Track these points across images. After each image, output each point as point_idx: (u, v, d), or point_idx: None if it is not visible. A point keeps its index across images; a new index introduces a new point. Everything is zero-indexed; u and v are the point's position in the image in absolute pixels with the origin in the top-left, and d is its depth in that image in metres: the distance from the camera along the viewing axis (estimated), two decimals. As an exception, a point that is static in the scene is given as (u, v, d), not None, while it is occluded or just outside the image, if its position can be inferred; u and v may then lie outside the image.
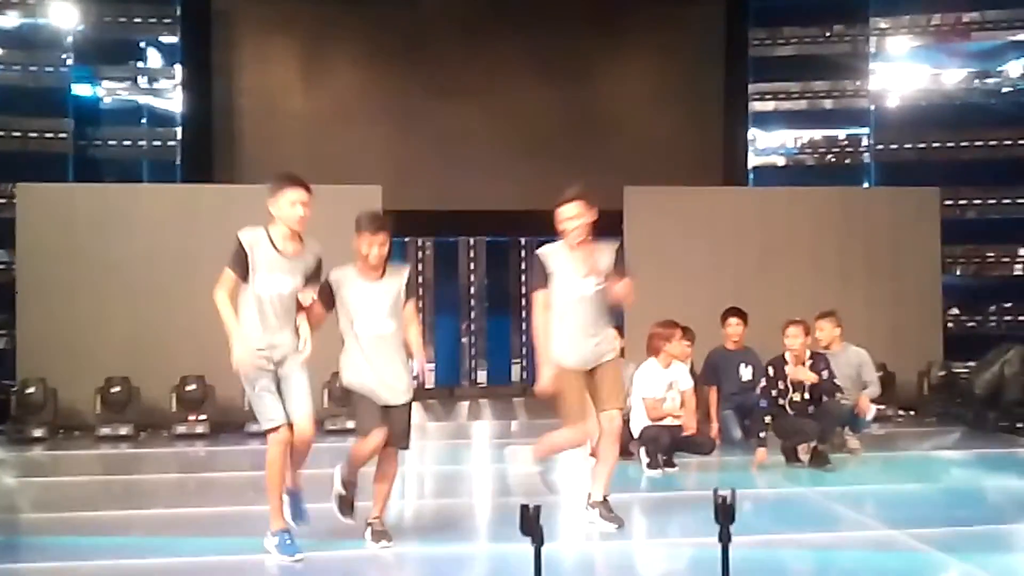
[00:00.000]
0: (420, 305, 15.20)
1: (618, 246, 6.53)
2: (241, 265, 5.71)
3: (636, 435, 8.69)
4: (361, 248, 5.95)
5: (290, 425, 5.69)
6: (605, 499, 6.50)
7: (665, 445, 8.54)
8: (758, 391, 9.30)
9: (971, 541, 6.15)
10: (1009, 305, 14.26)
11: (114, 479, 9.17)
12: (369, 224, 5.96)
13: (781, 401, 8.78)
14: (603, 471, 6.57)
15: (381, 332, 5.97)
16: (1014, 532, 6.63)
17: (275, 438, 5.68)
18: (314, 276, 5.94)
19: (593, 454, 8.88)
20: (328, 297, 5.99)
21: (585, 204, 6.44)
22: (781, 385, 8.80)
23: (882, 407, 10.44)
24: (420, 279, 15.05)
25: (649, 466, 8.47)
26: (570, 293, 6.36)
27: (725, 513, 3.85)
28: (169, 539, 5.88)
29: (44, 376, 11.11)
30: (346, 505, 6.11)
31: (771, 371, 8.90)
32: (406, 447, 6.13)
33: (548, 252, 6.50)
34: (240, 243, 5.73)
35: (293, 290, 5.83)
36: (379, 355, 5.96)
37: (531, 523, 3.76)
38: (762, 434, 8.74)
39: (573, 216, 6.42)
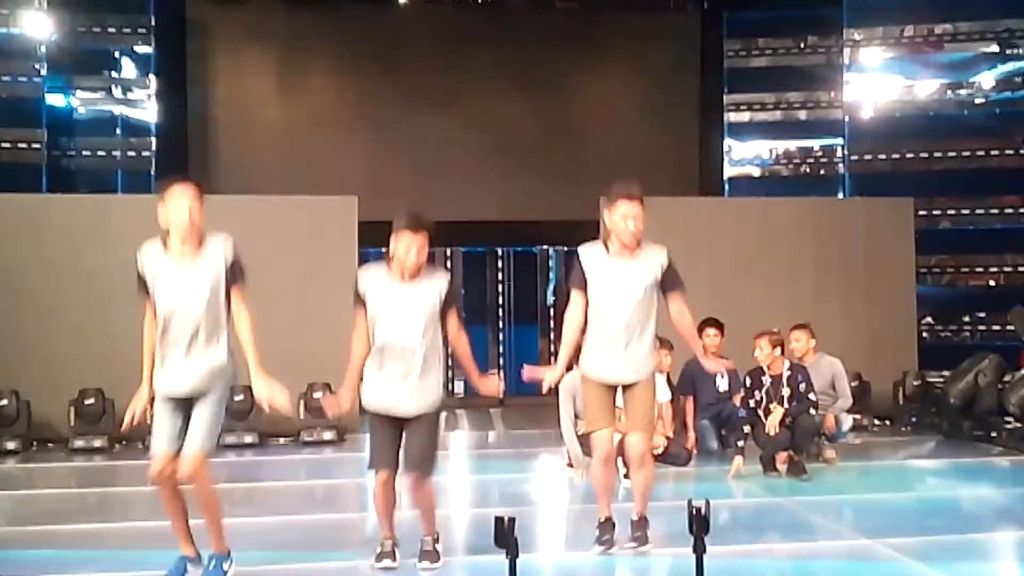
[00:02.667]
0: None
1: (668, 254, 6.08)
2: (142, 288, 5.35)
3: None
4: (397, 250, 5.53)
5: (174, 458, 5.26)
6: (641, 518, 6.18)
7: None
8: (736, 401, 9.35)
9: (946, 550, 6.17)
10: (983, 315, 14.35)
11: (88, 492, 9.10)
12: (411, 223, 5.51)
13: (760, 411, 8.83)
14: (636, 492, 6.25)
15: (410, 344, 5.55)
16: (989, 541, 6.66)
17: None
18: (232, 271, 5.36)
19: (571, 464, 8.91)
20: (363, 301, 5.57)
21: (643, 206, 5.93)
22: (759, 395, 8.86)
23: (858, 417, 10.50)
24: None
25: (626, 476, 8.45)
26: (607, 299, 5.92)
27: (699, 523, 3.85)
28: (144, 552, 5.83)
29: (17, 388, 11.01)
30: (379, 558, 5.79)
31: (749, 381, 8.97)
32: (427, 472, 5.68)
33: (587, 253, 6.03)
34: (137, 264, 5.37)
35: (204, 301, 5.29)
36: (401, 370, 5.55)
37: (506, 535, 3.75)
38: (740, 443, 8.77)
39: (634, 216, 5.89)
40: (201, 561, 5.50)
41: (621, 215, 5.89)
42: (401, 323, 5.55)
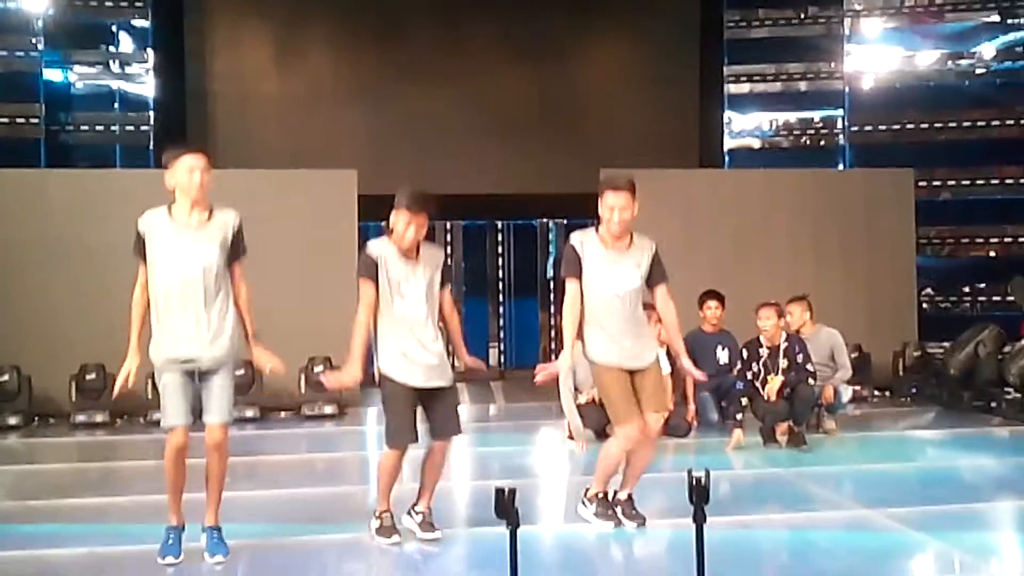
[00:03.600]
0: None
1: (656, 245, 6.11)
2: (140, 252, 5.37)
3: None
4: (397, 226, 5.63)
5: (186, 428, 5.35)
6: (630, 497, 6.21)
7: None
8: (734, 373, 9.36)
9: (946, 520, 6.20)
10: (983, 286, 14.36)
11: (90, 466, 9.13)
12: (412, 203, 5.60)
13: (757, 383, 8.85)
14: (634, 471, 6.22)
15: (417, 315, 5.68)
16: (988, 511, 6.68)
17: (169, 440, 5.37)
18: (234, 247, 5.47)
19: (571, 437, 8.93)
20: (374, 273, 5.62)
21: (634, 194, 5.93)
22: (756, 367, 8.87)
23: (857, 388, 10.51)
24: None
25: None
26: (606, 289, 5.95)
27: (699, 494, 3.86)
28: (145, 526, 5.84)
29: (18, 363, 11.04)
30: (386, 533, 5.84)
31: (746, 354, 8.99)
32: (459, 432, 5.87)
33: (581, 240, 6.03)
34: (136, 227, 5.39)
35: (208, 267, 5.35)
36: (419, 342, 5.66)
37: (506, 506, 3.75)
38: (739, 416, 8.79)
39: (621, 206, 5.89)
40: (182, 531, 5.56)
41: (608, 206, 5.92)
42: (413, 297, 5.67)
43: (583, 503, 6.25)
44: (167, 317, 5.35)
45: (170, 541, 5.48)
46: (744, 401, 8.90)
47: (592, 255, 5.97)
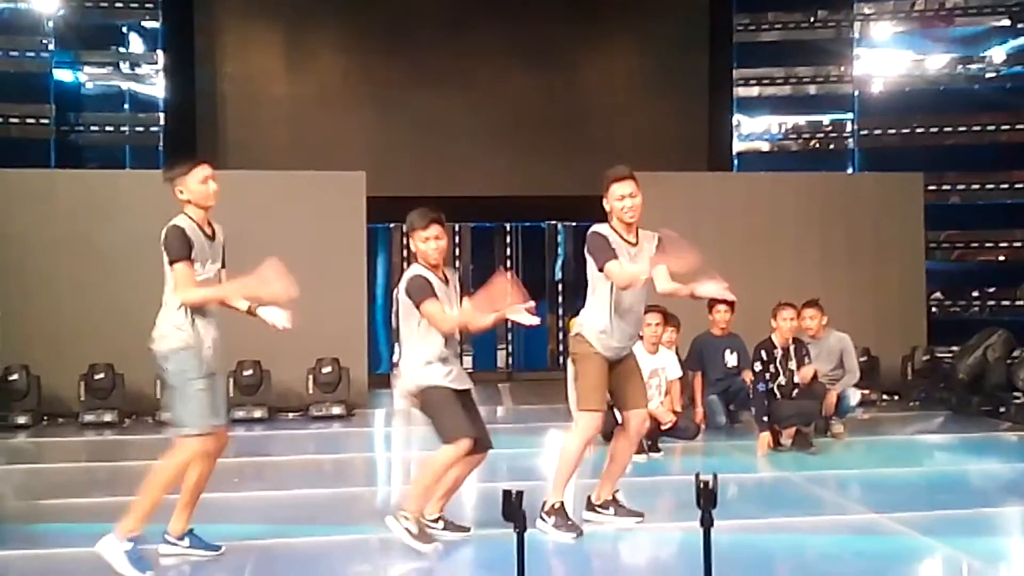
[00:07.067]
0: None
1: (659, 237, 6.17)
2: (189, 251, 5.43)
3: (621, 420, 8.68)
4: (419, 247, 5.80)
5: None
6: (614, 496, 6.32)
7: (650, 430, 8.55)
8: (745, 377, 9.32)
9: (954, 525, 6.19)
10: (992, 290, 14.32)
11: (98, 466, 9.15)
12: (418, 220, 5.78)
13: (771, 385, 8.77)
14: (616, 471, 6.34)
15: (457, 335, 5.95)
16: (996, 516, 6.67)
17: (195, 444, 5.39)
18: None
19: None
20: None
21: (637, 182, 6.02)
22: (773, 368, 8.78)
23: (866, 391, 10.49)
24: (406, 265, 15.03)
25: (651, 448, 8.49)
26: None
27: (707, 497, 3.85)
28: (153, 526, 5.84)
29: (27, 363, 11.06)
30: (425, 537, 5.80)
31: (764, 355, 8.83)
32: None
33: (607, 232, 6.04)
34: (183, 231, 5.42)
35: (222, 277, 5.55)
36: (455, 355, 5.97)
37: (514, 509, 3.75)
38: (765, 418, 8.65)
39: (630, 194, 6.01)
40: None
41: (618, 196, 6.00)
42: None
43: (541, 518, 6.06)
44: (200, 325, 5.43)
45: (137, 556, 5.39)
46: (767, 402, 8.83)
47: (616, 246, 6.01)
